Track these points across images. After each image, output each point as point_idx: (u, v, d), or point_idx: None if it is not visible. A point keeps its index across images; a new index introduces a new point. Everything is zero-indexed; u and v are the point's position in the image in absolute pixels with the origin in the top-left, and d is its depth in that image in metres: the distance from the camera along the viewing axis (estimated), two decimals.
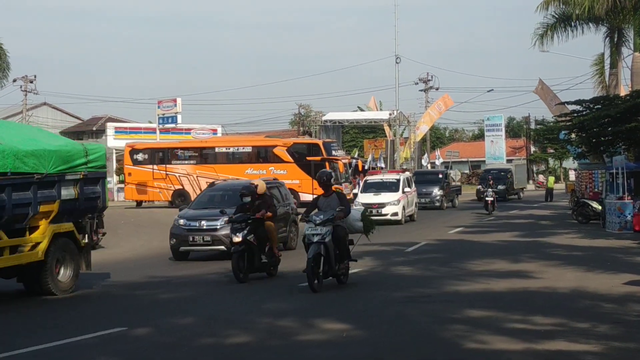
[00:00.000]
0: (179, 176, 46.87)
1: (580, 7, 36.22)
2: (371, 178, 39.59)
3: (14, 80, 68.27)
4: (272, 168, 45.75)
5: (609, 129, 36.23)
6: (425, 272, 18.87)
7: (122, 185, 55.20)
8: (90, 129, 78.76)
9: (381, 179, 38.77)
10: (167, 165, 47.36)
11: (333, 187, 17.05)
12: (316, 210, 16.68)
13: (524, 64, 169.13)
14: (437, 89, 74.38)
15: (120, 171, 61.12)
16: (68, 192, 16.51)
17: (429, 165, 72.02)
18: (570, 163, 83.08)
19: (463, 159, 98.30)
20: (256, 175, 45.79)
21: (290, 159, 45.76)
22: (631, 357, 10.19)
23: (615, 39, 41.87)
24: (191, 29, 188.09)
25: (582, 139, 40.33)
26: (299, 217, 19.34)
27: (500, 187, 53.50)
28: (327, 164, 44.18)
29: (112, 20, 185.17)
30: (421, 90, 75.27)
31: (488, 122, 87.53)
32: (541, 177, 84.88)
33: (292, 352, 10.63)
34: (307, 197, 44.34)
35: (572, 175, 65.66)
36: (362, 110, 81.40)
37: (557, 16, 41.22)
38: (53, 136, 18.94)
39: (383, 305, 14.28)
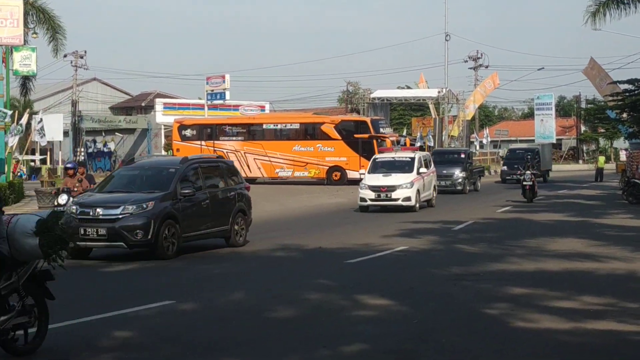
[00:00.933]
0: (226, 152, 46.99)
1: None
2: (381, 156, 34.12)
3: (65, 56, 68.68)
4: (319, 145, 45.80)
5: None
6: (473, 250, 18.76)
7: None
8: (139, 105, 79.36)
9: (393, 158, 33.41)
10: (215, 142, 47.56)
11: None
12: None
13: (576, 42, 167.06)
14: (486, 67, 73.69)
15: (168, 147, 61.56)
16: None
17: (477, 144, 71.58)
18: (621, 143, 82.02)
19: (512, 138, 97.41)
20: (304, 152, 45.91)
21: (337, 136, 45.70)
22: None
23: None
24: (240, 5, 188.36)
25: (634, 119, 39.75)
26: None
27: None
28: (374, 141, 44.08)
29: None
30: (470, 69, 74.64)
31: (538, 101, 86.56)
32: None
33: (340, 328, 10.64)
34: (354, 174, 44.43)
35: (622, 155, 64.87)
36: (409, 88, 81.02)
37: None
38: None
39: (430, 283, 14.23)
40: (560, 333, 10.09)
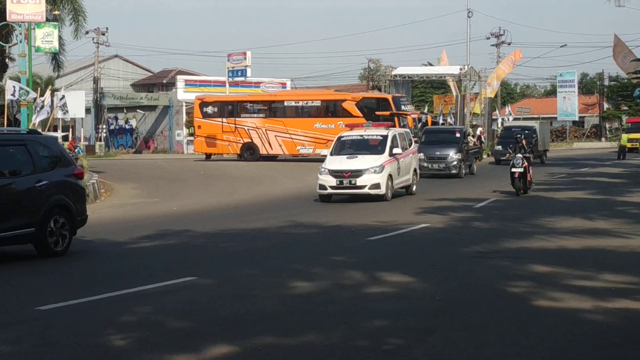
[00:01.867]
0: (247, 129, 47.09)
1: None
2: (347, 134, 28.71)
3: (87, 33, 68.78)
4: (340, 122, 45.70)
5: None
6: (495, 228, 18.71)
7: (192, 138, 55.74)
8: (161, 82, 79.51)
9: (361, 136, 27.96)
10: (237, 119, 47.59)
11: None
12: None
13: (599, 19, 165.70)
14: (509, 43, 73.15)
15: (190, 124, 61.67)
16: None
17: (500, 121, 71.21)
18: None
19: (534, 115, 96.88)
20: (325, 129, 45.84)
21: (359, 113, 45.61)
22: None
23: None
24: None
25: None
26: None
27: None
28: (396, 118, 43.97)
29: None
30: (493, 45, 74.17)
31: (561, 78, 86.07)
32: None
33: (360, 305, 10.63)
34: None
35: None
36: (431, 65, 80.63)
37: None
38: None
39: (452, 261, 14.20)
40: (583, 312, 10.03)
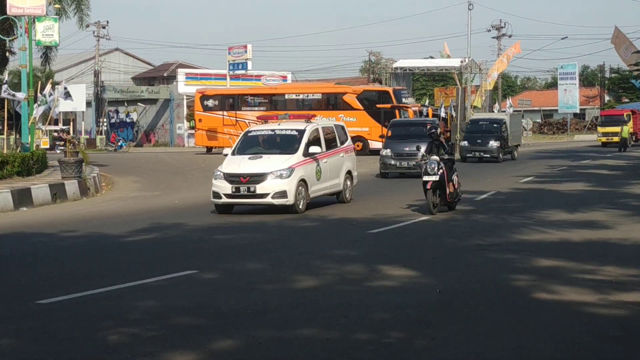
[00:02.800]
0: (248, 122, 47.02)
1: None
2: (256, 129, 23.72)
3: (87, 26, 68.81)
4: (341, 115, 45.71)
5: None
6: (496, 220, 18.68)
7: (193, 131, 55.76)
8: (161, 75, 79.52)
9: (272, 131, 22.73)
10: (237, 112, 47.61)
11: None
12: None
13: (600, 11, 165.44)
14: (510, 36, 73.25)
15: (190, 117, 61.68)
16: None
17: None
18: None
19: (535, 108, 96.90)
20: None
21: (360, 106, 45.60)
22: None
23: None
24: None
25: None
26: None
27: (493, 143, 42.19)
28: (397, 111, 43.93)
29: None
30: (493, 38, 74.22)
31: (561, 71, 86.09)
32: None
33: (362, 298, 10.62)
34: (376, 144, 44.36)
35: None
36: (432, 58, 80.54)
37: None
38: None
39: (452, 253, 14.19)
40: (585, 305, 10.02)
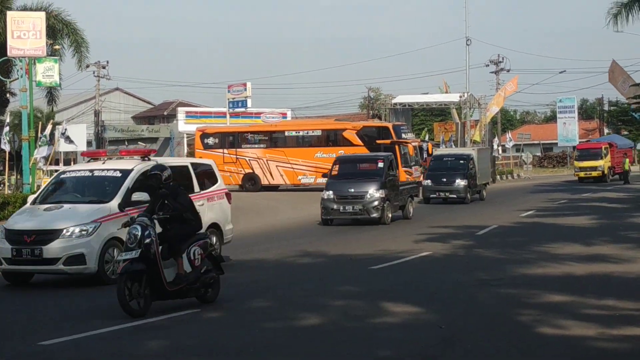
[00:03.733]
0: (249, 160, 47.12)
1: None
2: (72, 170, 18.49)
3: (87, 66, 69.16)
4: (341, 151, 45.72)
5: None
6: (498, 255, 18.67)
7: None
8: (162, 114, 79.76)
9: (91, 172, 17.31)
10: (238, 149, 47.62)
11: None
12: None
13: (598, 45, 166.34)
14: (508, 70, 73.48)
15: (191, 155, 61.74)
16: None
17: (499, 148, 71.30)
18: None
19: (535, 142, 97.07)
20: (326, 158, 45.88)
21: (359, 142, 45.64)
22: None
23: None
24: (260, 13, 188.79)
25: None
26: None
27: (459, 182, 37.67)
28: (397, 146, 44.00)
29: (182, 4, 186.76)
30: (492, 72, 74.49)
31: (560, 104, 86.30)
32: None
33: (366, 335, 10.61)
34: None
35: None
36: (429, 93, 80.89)
37: None
38: None
39: (455, 288, 14.18)
40: (590, 339, 10.01)
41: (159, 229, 12.90)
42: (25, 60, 32.05)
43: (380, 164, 28.38)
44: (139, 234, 12.29)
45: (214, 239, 17.96)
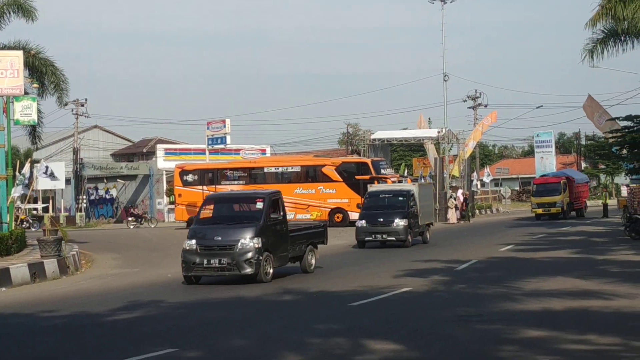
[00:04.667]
0: None
1: (628, 22, 35.73)
2: None
3: (66, 104, 68.99)
4: (320, 187, 45.89)
5: None
6: (478, 290, 18.68)
7: (173, 206, 55.67)
8: (141, 151, 79.62)
9: None
10: (217, 186, 47.61)
11: None
12: None
13: (574, 80, 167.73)
14: (485, 105, 73.96)
15: (170, 192, 61.61)
16: None
17: (478, 183, 71.52)
18: (622, 179, 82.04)
19: (513, 176, 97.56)
20: (305, 194, 45.89)
21: (339, 178, 45.77)
22: None
23: None
24: (239, 49, 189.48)
25: (634, 155, 39.78)
26: None
27: (399, 222, 33.00)
28: (376, 182, 44.09)
29: (160, 42, 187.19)
30: (470, 108, 74.92)
31: (538, 139, 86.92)
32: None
33: None
34: (355, 215, 44.34)
35: (624, 191, 64.76)
36: (407, 129, 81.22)
37: (606, 31, 40.72)
38: None
39: (434, 325, 14.16)
40: None
41: None
42: (2, 99, 31.95)
43: (259, 204, 22.96)
44: None
45: None
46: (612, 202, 67.43)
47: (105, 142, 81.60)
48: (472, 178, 66.89)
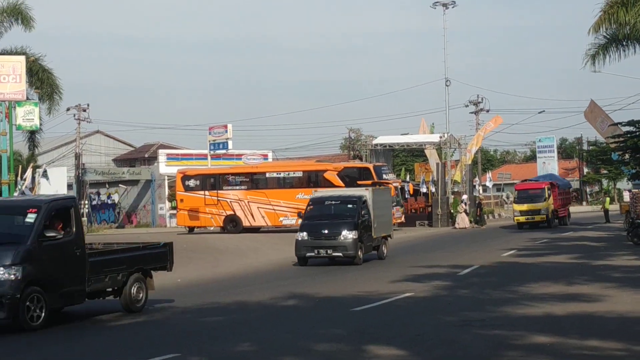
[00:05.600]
0: (230, 202, 47.09)
1: (630, 27, 35.82)
2: None
3: (68, 109, 69.22)
4: None
5: None
6: (480, 295, 18.69)
7: (175, 212, 55.67)
8: (143, 156, 79.67)
9: None
10: (219, 191, 47.60)
11: None
12: None
13: (576, 85, 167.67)
14: (487, 110, 73.97)
15: (172, 197, 61.60)
16: None
17: (480, 188, 71.50)
18: (624, 184, 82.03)
19: (515, 181, 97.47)
20: (307, 200, 45.91)
21: (341, 183, 45.74)
22: None
23: None
24: (241, 55, 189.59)
25: (636, 160, 39.78)
26: None
27: (347, 234, 28.03)
28: (377, 187, 44.08)
29: (163, 47, 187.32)
30: (472, 113, 74.94)
31: (540, 144, 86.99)
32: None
33: None
34: None
35: (626, 196, 64.70)
36: (409, 134, 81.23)
37: (608, 37, 40.77)
38: None
39: (437, 330, 14.16)
40: None
41: None
42: (4, 104, 32.01)
43: (31, 218, 16.38)
44: None
45: None
46: (614, 207, 67.42)
47: (107, 147, 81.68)
48: (474, 183, 66.89)
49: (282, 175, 48.14)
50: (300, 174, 47.57)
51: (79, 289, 16.83)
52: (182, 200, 49.20)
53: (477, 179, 72.20)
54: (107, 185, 71.09)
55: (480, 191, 71.79)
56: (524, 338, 12.92)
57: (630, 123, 39.43)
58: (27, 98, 34.10)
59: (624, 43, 40.14)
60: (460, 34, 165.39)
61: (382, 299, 18.39)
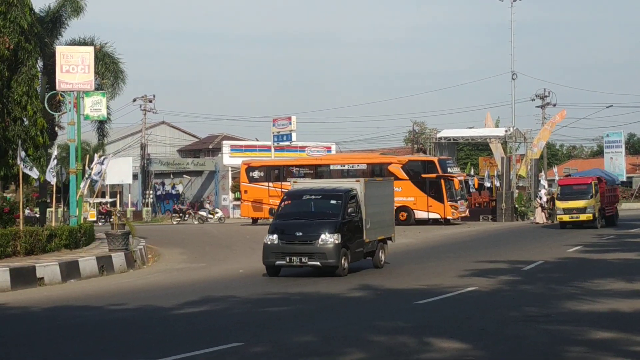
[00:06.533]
0: None
1: None
2: None
3: (134, 100, 70.14)
4: None
5: None
6: (545, 290, 18.45)
7: (238, 203, 56.01)
8: (207, 147, 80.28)
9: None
10: (283, 183, 47.74)
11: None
12: None
13: None
14: (554, 105, 73.10)
15: (236, 188, 62.03)
16: None
17: (545, 183, 70.68)
18: None
19: None
20: None
21: (405, 176, 45.59)
22: None
23: None
24: (306, 47, 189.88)
25: None
26: None
27: (326, 238, 22.50)
28: (442, 181, 43.83)
29: (228, 41, 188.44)
30: (538, 107, 74.09)
31: (607, 139, 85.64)
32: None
33: None
34: (421, 214, 44.26)
35: None
36: (474, 127, 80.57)
37: None
38: None
39: (501, 324, 14.00)
40: None
41: None
42: (73, 94, 32.44)
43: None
44: None
45: None
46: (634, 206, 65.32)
47: (172, 138, 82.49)
48: (539, 178, 66.11)
49: (346, 167, 48.12)
50: (364, 167, 47.51)
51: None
52: (246, 192, 49.48)
53: (542, 173, 71.38)
54: (171, 176, 71.85)
55: (546, 186, 70.92)
56: (590, 334, 12.72)
57: None
58: (97, 88, 34.53)
59: None
60: (528, 27, 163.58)
61: (446, 293, 18.26)
